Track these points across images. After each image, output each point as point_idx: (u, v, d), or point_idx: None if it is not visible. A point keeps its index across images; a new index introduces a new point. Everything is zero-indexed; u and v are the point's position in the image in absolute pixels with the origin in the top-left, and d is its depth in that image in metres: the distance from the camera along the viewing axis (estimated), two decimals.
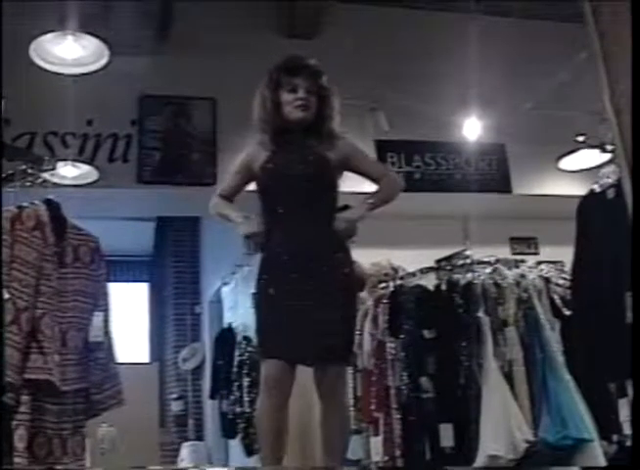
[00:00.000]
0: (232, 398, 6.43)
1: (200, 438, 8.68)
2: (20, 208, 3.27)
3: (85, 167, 5.16)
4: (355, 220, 2.99)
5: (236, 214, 3.09)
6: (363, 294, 4.54)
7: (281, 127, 3.05)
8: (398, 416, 4.18)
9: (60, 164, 4.49)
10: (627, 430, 3.36)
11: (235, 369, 6.40)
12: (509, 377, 3.89)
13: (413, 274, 4.55)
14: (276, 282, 2.92)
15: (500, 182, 6.07)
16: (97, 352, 3.40)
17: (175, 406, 8.95)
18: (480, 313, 3.99)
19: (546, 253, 5.83)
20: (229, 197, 3.22)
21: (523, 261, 4.42)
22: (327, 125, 3.05)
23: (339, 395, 2.95)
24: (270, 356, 2.89)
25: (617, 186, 3.18)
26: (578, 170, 5.52)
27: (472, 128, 5.61)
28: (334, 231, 2.96)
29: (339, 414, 2.93)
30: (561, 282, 4.19)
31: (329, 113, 3.06)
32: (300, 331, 2.83)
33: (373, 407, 4.39)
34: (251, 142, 3.15)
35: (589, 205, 3.49)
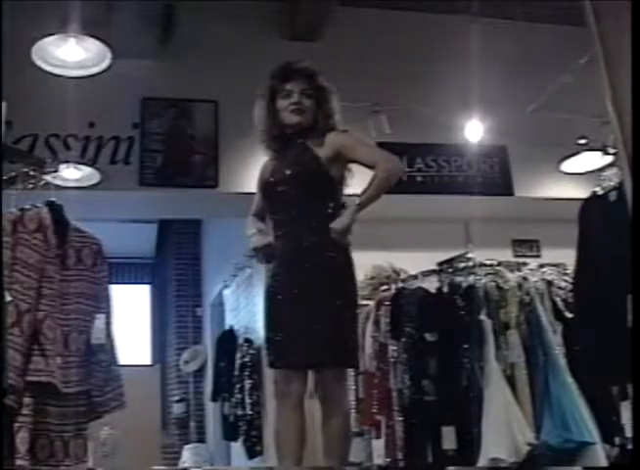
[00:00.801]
0: (234, 400, 6.44)
1: (201, 440, 8.69)
2: (22, 210, 3.27)
3: (87, 170, 5.16)
4: (344, 230, 2.93)
5: (251, 228, 3.12)
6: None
7: (280, 134, 3.06)
8: (400, 419, 4.18)
9: (62, 167, 4.49)
10: (629, 432, 3.35)
11: (236, 372, 6.41)
12: (511, 380, 3.89)
13: (415, 277, 4.55)
14: (281, 287, 2.93)
15: (502, 185, 6.06)
16: (99, 355, 3.41)
17: (177, 409, 8.96)
18: (482, 316, 3.99)
19: (548, 255, 5.81)
20: (259, 214, 3.22)
21: (525, 264, 4.41)
22: (322, 124, 3.05)
23: (338, 398, 2.95)
24: (274, 366, 2.92)
25: (620, 189, 3.18)
26: (580, 173, 5.52)
27: (473, 131, 5.61)
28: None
29: (339, 418, 2.92)
30: (563, 285, 4.19)
31: (326, 112, 3.06)
32: (299, 336, 2.83)
33: (375, 410, 4.39)
34: (254, 146, 3.17)
35: (591, 207, 3.49)
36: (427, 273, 4.46)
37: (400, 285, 4.59)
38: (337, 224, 2.92)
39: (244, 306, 6.88)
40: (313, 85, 3.05)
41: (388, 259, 5.52)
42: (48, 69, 4.18)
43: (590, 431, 3.74)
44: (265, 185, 3.09)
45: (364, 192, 2.97)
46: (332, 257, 2.93)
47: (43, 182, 3.54)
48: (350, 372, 4.17)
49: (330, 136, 3.04)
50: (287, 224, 2.99)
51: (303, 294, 2.87)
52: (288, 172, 2.99)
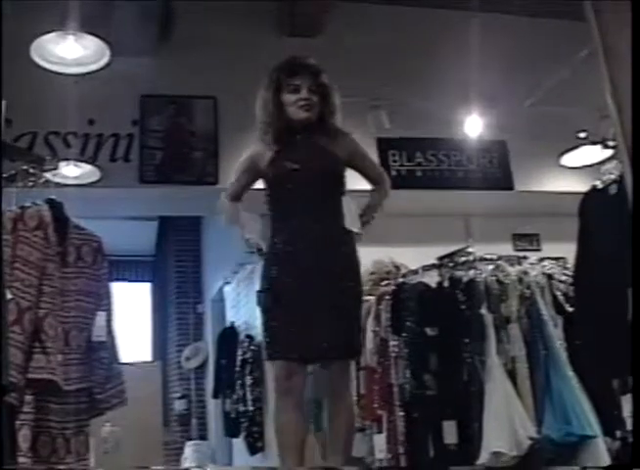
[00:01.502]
0: (235, 396, 6.45)
1: (203, 437, 8.70)
2: (22, 208, 3.27)
3: (87, 167, 5.17)
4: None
5: (248, 231, 3.16)
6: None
7: (285, 128, 3.06)
8: (402, 413, 4.19)
9: (62, 164, 4.49)
10: (631, 426, 3.35)
11: (238, 368, 6.42)
12: (512, 374, 3.89)
13: (415, 272, 4.55)
14: (283, 280, 2.92)
15: (502, 179, 6.07)
16: (100, 352, 3.41)
17: (178, 405, 8.97)
18: (483, 310, 3.99)
19: (548, 249, 5.81)
20: (237, 198, 3.24)
21: (525, 258, 4.41)
22: (330, 122, 3.07)
23: (343, 392, 2.96)
24: (278, 358, 2.90)
25: (620, 182, 3.17)
26: (580, 167, 5.52)
27: (473, 125, 5.61)
28: (343, 228, 2.98)
29: (343, 413, 2.93)
30: (563, 278, 4.18)
31: (331, 110, 3.09)
32: (308, 329, 2.83)
33: (376, 405, 4.40)
34: (253, 141, 3.17)
35: (591, 201, 3.48)
36: (427, 268, 4.46)
37: (401, 280, 4.59)
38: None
39: (244, 303, 6.89)
40: (318, 82, 3.07)
41: (388, 254, 5.52)
42: (47, 66, 4.18)
43: (591, 424, 3.74)
44: (269, 177, 3.08)
45: (371, 208, 3.22)
46: (339, 250, 2.95)
47: (43, 180, 3.53)
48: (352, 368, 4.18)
49: (344, 138, 3.12)
50: (291, 218, 2.99)
51: (309, 288, 2.87)
52: (304, 167, 3.01)
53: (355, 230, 3.02)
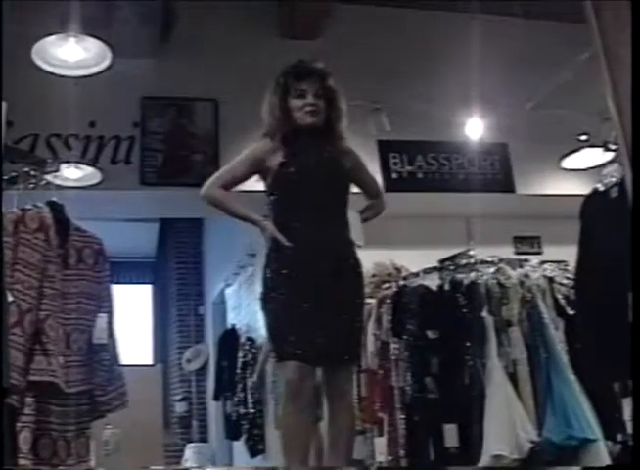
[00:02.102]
0: (236, 399, 6.45)
1: (204, 439, 8.70)
2: (23, 210, 3.28)
3: (88, 169, 5.17)
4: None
5: (257, 216, 3.12)
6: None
7: (291, 132, 3.05)
8: (402, 416, 4.18)
9: (63, 166, 4.49)
10: (631, 429, 3.35)
11: (238, 370, 6.42)
12: (513, 377, 3.89)
13: (416, 274, 4.55)
14: (285, 282, 2.92)
15: (503, 182, 6.06)
16: (101, 354, 3.41)
17: (179, 408, 8.97)
18: (484, 313, 3.99)
19: (550, 252, 5.81)
20: (228, 188, 3.14)
21: (526, 261, 4.41)
22: (336, 128, 3.07)
23: (346, 394, 2.96)
24: (280, 360, 2.90)
25: (621, 185, 3.17)
26: (581, 169, 5.51)
27: (474, 128, 5.61)
28: (345, 232, 3.00)
29: (347, 415, 2.93)
30: (564, 281, 4.18)
31: (337, 114, 3.08)
32: (318, 332, 2.83)
33: (377, 408, 4.40)
34: (258, 139, 3.15)
35: (592, 204, 3.49)
36: (428, 271, 4.46)
37: (402, 282, 4.59)
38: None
39: (245, 305, 6.89)
40: (325, 87, 3.06)
41: (389, 257, 5.52)
42: (49, 68, 4.18)
43: (592, 427, 3.74)
44: (273, 179, 3.06)
45: (366, 211, 3.29)
46: (341, 253, 2.97)
47: (44, 182, 3.54)
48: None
49: (352, 154, 3.17)
50: (295, 221, 2.98)
51: (311, 290, 2.87)
52: (314, 174, 3.01)
53: (359, 243, 3.05)
